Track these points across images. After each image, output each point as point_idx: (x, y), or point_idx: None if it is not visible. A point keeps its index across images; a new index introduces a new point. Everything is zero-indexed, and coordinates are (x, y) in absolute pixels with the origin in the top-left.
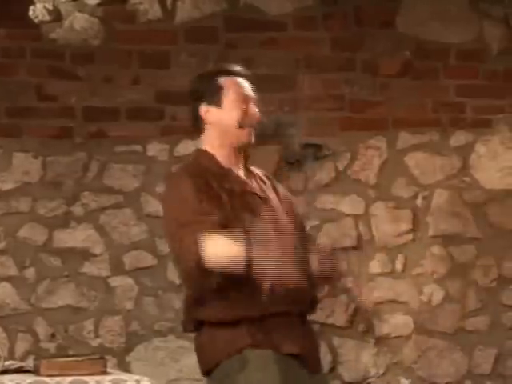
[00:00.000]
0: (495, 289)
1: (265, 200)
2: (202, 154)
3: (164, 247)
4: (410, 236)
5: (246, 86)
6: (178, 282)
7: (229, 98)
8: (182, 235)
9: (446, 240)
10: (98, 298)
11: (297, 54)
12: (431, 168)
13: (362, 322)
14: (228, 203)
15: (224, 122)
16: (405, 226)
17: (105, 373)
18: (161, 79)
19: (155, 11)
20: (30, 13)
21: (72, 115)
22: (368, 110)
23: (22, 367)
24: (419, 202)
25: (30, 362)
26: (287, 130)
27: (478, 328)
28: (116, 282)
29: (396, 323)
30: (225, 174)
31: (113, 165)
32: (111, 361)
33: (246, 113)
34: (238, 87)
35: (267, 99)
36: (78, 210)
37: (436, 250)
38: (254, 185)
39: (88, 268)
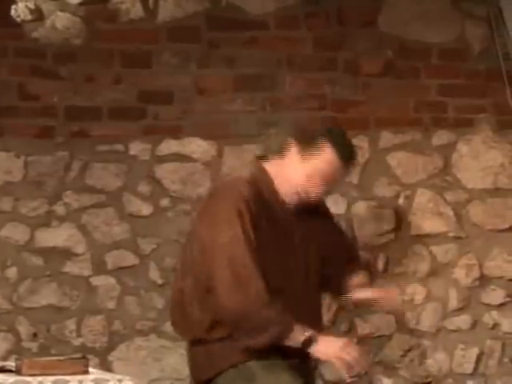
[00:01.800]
0: (477, 288)
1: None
2: (263, 174)
3: (146, 247)
4: (392, 235)
5: (339, 173)
6: (160, 281)
7: (315, 165)
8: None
9: (428, 239)
10: (80, 297)
11: (279, 53)
12: (413, 167)
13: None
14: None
15: (294, 173)
16: (387, 225)
17: (87, 372)
18: (143, 79)
19: (137, 10)
20: (12, 12)
21: (54, 114)
22: (350, 110)
23: (3, 367)
24: (401, 201)
25: (11, 362)
26: (269, 129)
27: (460, 327)
28: (98, 281)
29: (378, 322)
30: (274, 205)
31: (95, 164)
32: (93, 360)
33: (314, 184)
34: (332, 169)
35: (249, 98)
36: (60, 209)
37: (418, 249)
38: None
39: (70, 267)
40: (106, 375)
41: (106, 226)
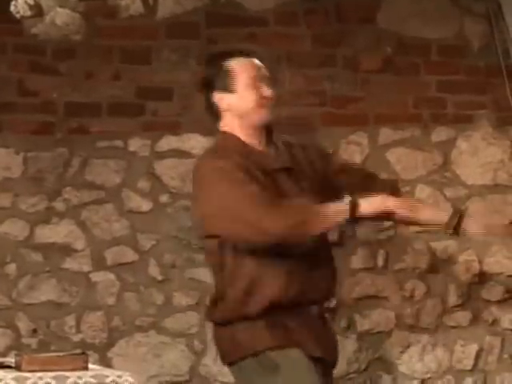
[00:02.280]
0: (476, 284)
1: (292, 172)
2: (226, 135)
3: (145, 243)
4: (392, 231)
5: (257, 66)
6: (159, 277)
7: (240, 82)
8: (244, 211)
9: (428, 235)
10: (79, 293)
11: (278, 49)
12: (413, 164)
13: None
14: (263, 181)
15: (239, 107)
16: (387, 221)
17: (86, 368)
18: (142, 75)
19: (137, 7)
20: (11, 8)
21: (53, 111)
22: (349, 106)
23: (3, 363)
24: None
25: (11, 358)
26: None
27: (460, 323)
28: (97, 277)
29: (377, 319)
30: (252, 152)
31: (94, 160)
32: (93, 356)
33: (260, 95)
34: (249, 69)
35: None
36: (59, 205)
37: (418, 245)
38: (282, 158)
39: (69, 264)
40: (106, 371)
41: (105, 222)
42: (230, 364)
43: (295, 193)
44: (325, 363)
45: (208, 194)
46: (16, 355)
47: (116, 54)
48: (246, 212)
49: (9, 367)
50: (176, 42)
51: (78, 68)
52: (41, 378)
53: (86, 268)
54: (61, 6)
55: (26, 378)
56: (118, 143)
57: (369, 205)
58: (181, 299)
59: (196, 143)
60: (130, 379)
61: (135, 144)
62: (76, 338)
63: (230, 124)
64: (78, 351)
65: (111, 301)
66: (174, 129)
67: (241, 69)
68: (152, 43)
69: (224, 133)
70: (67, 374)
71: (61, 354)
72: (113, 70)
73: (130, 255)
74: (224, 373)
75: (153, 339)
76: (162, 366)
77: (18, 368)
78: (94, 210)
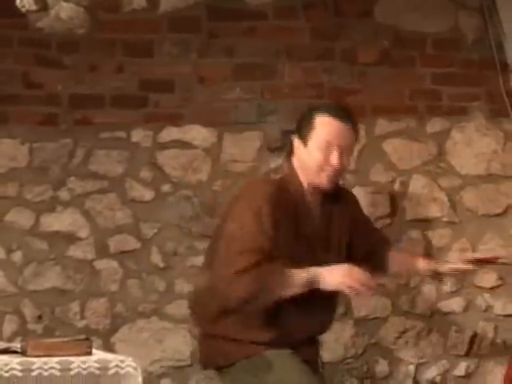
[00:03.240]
0: (470, 272)
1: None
2: (293, 174)
3: (147, 231)
4: (388, 220)
5: (340, 131)
6: (161, 264)
7: (315, 139)
8: (237, 264)
9: (423, 224)
10: (83, 280)
11: (277, 43)
12: (408, 154)
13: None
14: (290, 242)
15: (305, 162)
16: (383, 210)
17: (90, 353)
18: (144, 68)
19: (139, 1)
20: (17, 2)
21: (58, 102)
22: (347, 98)
23: (9, 348)
24: (397, 186)
25: (17, 343)
26: (268, 117)
27: (454, 310)
28: (101, 265)
29: (374, 305)
30: (300, 205)
31: (98, 151)
32: (96, 342)
33: (326, 159)
34: (329, 130)
35: (248, 87)
36: (64, 194)
37: (413, 233)
38: (319, 223)
39: (74, 251)
40: (109, 356)
41: (108, 211)
42: (217, 368)
43: (309, 262)
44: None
45: (236, 216)
46: (22, 341)
47: (119, 47)
48: (227, 267)
49: (15, 352)
50: (177, 36)
51: (81, 61)
52: (46, 363)
53: (89, 256)
54: (65, 1)
55: (32, 363)
56: (121, 134)
57: (330, 279)
58: (182, 286)
59: (197, 134)
60: (133, 364)
61: (138, 135)
62: (80, 324)
63: (297, 167)
64: (82, 337)
65: (114, 288)
66: (176, 120)
67: (322, 126)
68: (154, 37)
69: (292, 169)
70: (71, 358)
71: (65, 339)
72: (116, 62)
73: (133, 243)
74: None
75: (155, 325)
76: (164, 351)
77: (23, 353)
78: (98, 199)
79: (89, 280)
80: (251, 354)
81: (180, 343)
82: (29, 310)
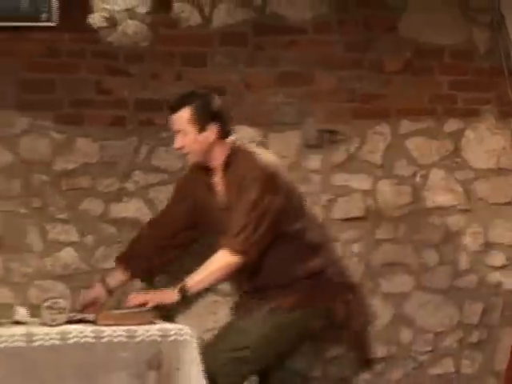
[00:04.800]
0: (482, 253)
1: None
2: None
3: None
4: (410, 208)
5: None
6: None
7: None
8: None
9: (441, 211)
10: None
11: (315, 54)
12: (428, 150)
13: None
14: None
15: None
16: (406, 199)
17: (153, 323)
18: (199, 76)
19: (195, 18)
20: (90, 20)
21: (125, 106)
22: (374, 102)
23: (84, 318)
24: (418, 179)
25: (90, 314)
26: (306, 118)
27: (468, 286)
28: None
29: (399, 281)
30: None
31: (159, 148)
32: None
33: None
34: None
35: (289, 92)
36: (130, 186)
37: (432, 219)
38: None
39: None
40: (169, 325)
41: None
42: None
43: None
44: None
45: None
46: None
47: (177, 58)
48: None
49: (88, 322)
50: (228, 49)
51: (145, 70)
52: (114, 331)
53: None
54: (131, 19)
55: (102, 331)
56: None
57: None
58: None
59: (245, 133)
60: (189, 331)
61: None
62: None
63: None
64: (146, 308)
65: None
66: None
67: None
68: (207, 49)
69: None
70: (136, 328)
71: (132, 310)
72: (175, 71)
73: None
74: None
75: (208, 299)
76: (216, 321)
77: (95, 322)
78: (159, 190)
79: None
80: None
81: (229, 314)
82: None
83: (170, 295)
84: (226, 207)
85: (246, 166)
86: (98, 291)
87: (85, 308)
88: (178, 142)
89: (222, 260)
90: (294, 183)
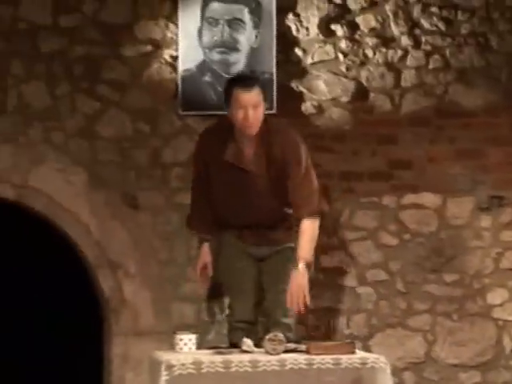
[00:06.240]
0: None
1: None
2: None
3: (394, 267)
4: None
5: (239, 97)
6: (403, 290)
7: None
8: None
9: None
10: (348, 301)
11: (485, 133)
12: None
13: None
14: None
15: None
16: None
17: (354, 353)
18: (391, 152)
19: (387, 105)
20: (302, 108)
21: (331, 177)
22: None
23: (296, 348)
24: None
25: (302, 345)
26: (479, 186)
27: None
28: (361, 290)
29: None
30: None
31: (358, 211)
32: (358, 344)
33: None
34: (233, 98)
35: (464, 165)
36: (334, 241)
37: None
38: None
39: (343, 281)
40: (367, 355)
41: (366, 253)
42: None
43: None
44: None
45: None
46: (305, 343)
47: (373, 138)
48: None
49: (302, 351)
50: (414, 129)
51: (347, 148)
52: (323, 359)
53: (353, 283)
54: (335, 106)
55: (313, 359)
56: (375, 199)
57: None
58: (418, 306)
59: (428, 199)
60: (384, 360)
61: (387, 200)
62: (347, 332)
63: None
64: (349, 341)
65: (370, 306)
66: (413, 189)
67: (232, 96)
68: (397, 130)
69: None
70: (341, 356)
71: (337, 342)
72: (371, 149)
73: (383, 275)
74: (449, 356)
75: (399, 333)
76: (405, 351)
77: (307, 352)
78: (359, 244)
79: (353, 301)
80: None
81: (416, 346)
82: (311, 322)
83: (304, 277)
84: (258, 173)
85: (284, 138)
86: (206, 255)
87: (201, 273)
88: (256, 116)
89: (313, 226)
90: None
